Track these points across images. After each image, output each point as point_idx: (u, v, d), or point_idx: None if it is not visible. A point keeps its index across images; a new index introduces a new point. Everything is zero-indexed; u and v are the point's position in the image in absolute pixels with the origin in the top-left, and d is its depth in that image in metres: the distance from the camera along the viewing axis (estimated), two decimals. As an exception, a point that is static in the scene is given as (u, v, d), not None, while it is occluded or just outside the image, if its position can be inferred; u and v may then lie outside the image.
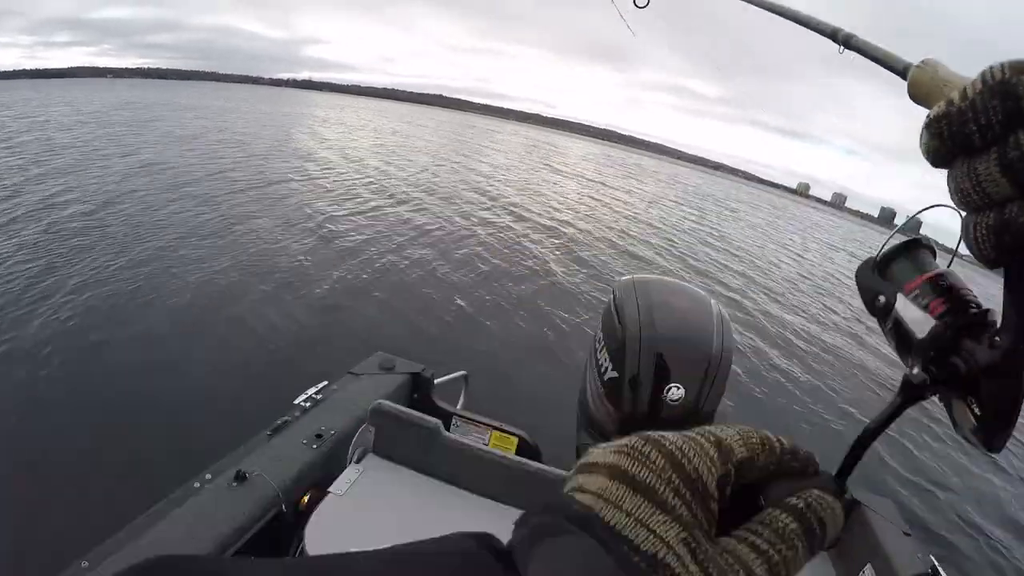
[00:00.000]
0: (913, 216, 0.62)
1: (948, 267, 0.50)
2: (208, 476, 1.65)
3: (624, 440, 0.34)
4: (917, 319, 0.47)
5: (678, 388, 1.04)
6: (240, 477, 1.64)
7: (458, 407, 2.58)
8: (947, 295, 0.46)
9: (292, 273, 7.46)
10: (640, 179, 39.74)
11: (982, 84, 0.32)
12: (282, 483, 1.69)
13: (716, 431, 0.35)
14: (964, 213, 0.36)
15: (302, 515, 1.61)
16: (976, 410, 0.40)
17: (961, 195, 0.35)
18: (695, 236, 18.03)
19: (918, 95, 0.46)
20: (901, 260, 0.53)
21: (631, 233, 15.49)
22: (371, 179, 16.00)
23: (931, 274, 0.49)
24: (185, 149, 16.98)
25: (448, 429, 2.07)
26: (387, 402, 1.76)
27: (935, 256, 0.52)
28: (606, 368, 1.15)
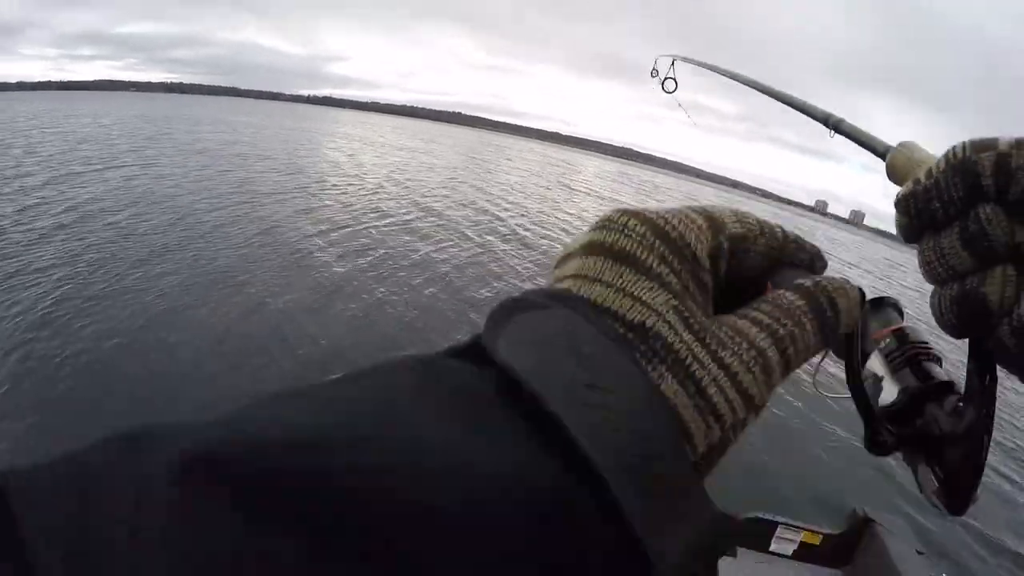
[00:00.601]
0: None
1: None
2: None
3: (600, 218, 0.30)
4: (883, 379, 0.44)
5: None
6: None
7: None
8: (907, 349, 0.44)
9: (312, 289, 7.41)
10: (654, 197, 39.59)
11: (945, 163, 0.34)
12: None
13: (705, 205, 0.32)
14: (931, 286, 0.37)
15: None
16: (939, 473, 0.39)
17: (927, 268, 0.36)
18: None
19: (894, 175, 0.47)
20: (867, 315, 0.48)
21: None
22: (392, 197, 16.04)
23: (894, 328, 0.46)
24: (205, 162, 17.32)
25: None
26: None
27: (902, 315, 0.48)
28: None
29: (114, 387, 4.56)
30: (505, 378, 0.23)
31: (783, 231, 0.34)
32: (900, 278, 29.38)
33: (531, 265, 10.90)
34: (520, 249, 12.13)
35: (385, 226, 11.97)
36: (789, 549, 2.02)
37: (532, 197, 22.71)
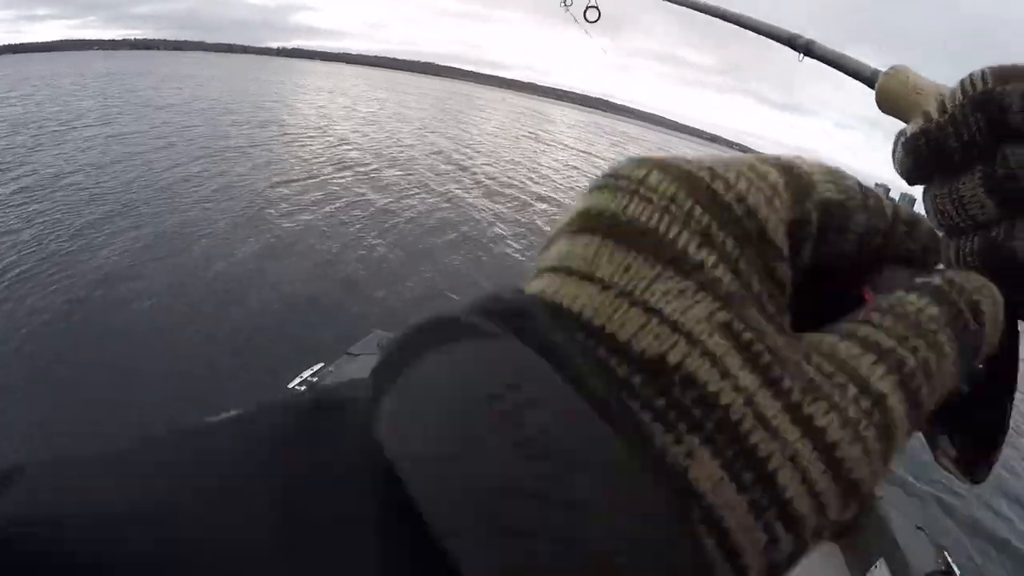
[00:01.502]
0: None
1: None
2: None
3: (606, 168, 0.19)
4: None
5: None
6: None
7: None
8: None
9: (282, 247, 7.25)
10: (628, 148, 39.38)
11: (962, 95, 0.29)
12: None
13: (782, 156, 0.20)
14: (943, 236, 0.31)
15: None
16: (958, 438, 0.35)
17: (942, 216, 0.30)
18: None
19: (887, 104, 0.42)
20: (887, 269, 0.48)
21: None
22: (362, 151, 15.70)
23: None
24: (168, 118, 16.85)
25: None
26: None
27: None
28: None
29: (71, 344, 4.52)
30: (384, 471, 0.13)
31: (894, 205, 0.23)
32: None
33: (492, 217, 10.84)
34: (482, 199, 12.06)
35: (346, 179, 11.85)
36: None
37: (501, 147, 22.50)
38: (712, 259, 0.16)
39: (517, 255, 8.60)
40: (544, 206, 12.85)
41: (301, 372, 2.11)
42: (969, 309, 0.19)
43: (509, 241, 9.16)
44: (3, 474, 0.14)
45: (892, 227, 0.22)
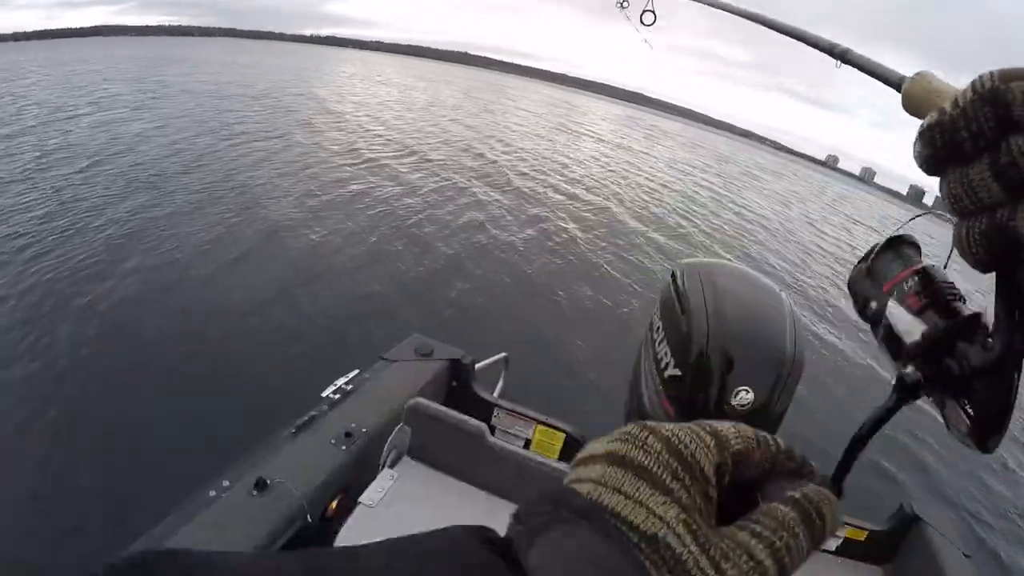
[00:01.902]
0: (904, 224, 0.61)
1: (946, 265, 0.50)
2: (225, 483, 1.48)
3: (621, 429, 0.35)
4: (908, 323, 0.48)
5: (747, 392, 0.95)
6: (260, 485, 1.47)
7: (497, 392, 2.49)
8: (930, 289, 0.48)
9: (317, 249, 7.00)
10: (662, 142, 38.81)
11: (972, 92, 0.33)
12: (307, 491, 1.52)
13: (712, 423, 0.36)
14: (956, 219, 0.37)
15: (329, 523, 1.52)
16: (969, 411, 0.41)
17: (953, 200, 0.35)
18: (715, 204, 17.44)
19: (912, 106, 0.46)
20: (884, 256, 0.55)
21: (667, 206, 14.91)
22: (400, 144, 15.37)
23: (915, 267, 0.50)
24: (208, 106, 16.80)
25: (489, 421, 2.01)
26: (425, 400, 1.61)
27: (920, 252, 0.52)
28: (667, 364, 1.05)
29: (100, 370, 4.25)
30: None
31: (776, 443, 0.37)
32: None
33: (522, 215, 10.46)
34: (513, 195, 11.71)
35: (377, 172, 11.60)
36: (832, 544, 1.92)
37: (530, 139, 22.18)
38: (677, 486, 0.31)
39: (548, 255, 8.30)
40: (574, 201, 12.48)
41: (335, 380, 1.98)
42: (815, 512, 0.32)
43: (539, 241, 8.87)
44: (153, 560, 0.23)
45: (775, 455, 0.36)
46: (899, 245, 0.55)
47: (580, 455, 0.35)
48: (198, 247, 6.43)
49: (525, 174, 13.94)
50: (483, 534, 0.30)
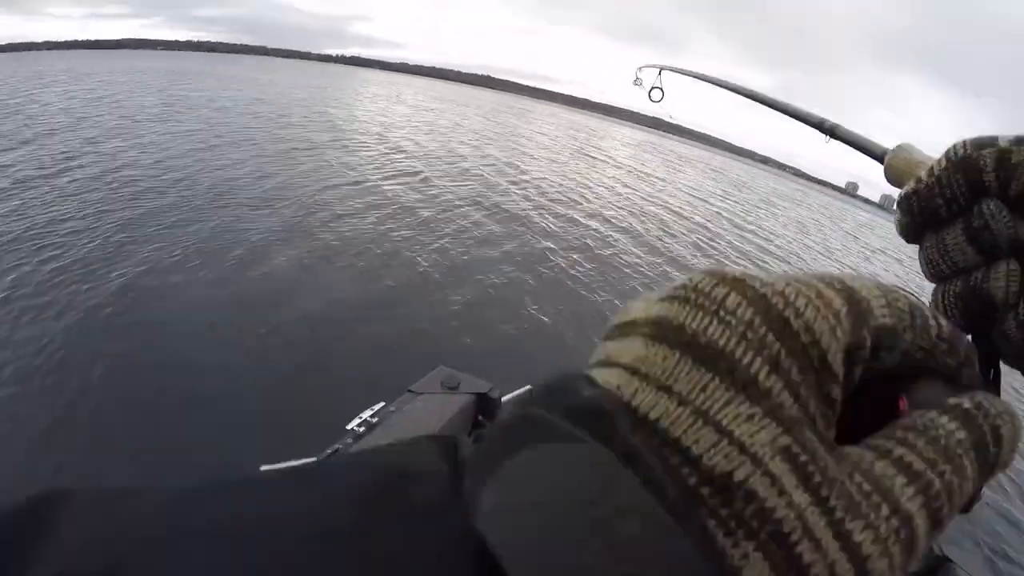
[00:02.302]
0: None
1: None
2: None
3: (683, 279, 0.21)
4: None
5: None
6: None
7: None
8: None
9: (343, 276, 6.93)
10: (680, 168, 38.79)
11: (946, 161, 0.34)
12: None
13: (844, 278, 0.22)
14: (933, 285, 0.37)
15: None
16: None
17: (930, 266, 0.36)
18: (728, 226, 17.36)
19: (893, 177, 0.48)
20: None
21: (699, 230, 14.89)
22: (427, 167, 15.38)
23: None
24: (237, 121, 17.12)
25: None
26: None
27: None
28: None
29: (111, 405, 4.15)
30: (484, 559, 0.15)
31: (938, 323, 0.23)
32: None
33: (557, 244, 10.51)
34: (541, 219, 11.72)
35: (405, 197, 11.70)
36: None
37: (548, 164, 22.25)
38: (778, 387, 0.18)
39: (573, 286, 8.23)
40: (596, 224, 12.46)
41: (361, 412, 1.97)
42: (991, 434, 0.21)
43: (573, 272, 8.77)
44: (49, 498, 0.17)
45: (934, 344, 0.23)
46: None
47: (615, 321, 0.22)
48: (203, 267, 6.44)
49: (543, 203, 13.87)
50: (447, 449, 0.19)
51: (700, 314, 0.19)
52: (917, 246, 0.38)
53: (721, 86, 1.37)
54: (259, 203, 9.15)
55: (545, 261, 8.94)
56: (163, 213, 7.84)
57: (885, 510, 0.17)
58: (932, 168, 0.35)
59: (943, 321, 0.24)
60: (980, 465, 0.20)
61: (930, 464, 0.19)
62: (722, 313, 0.19)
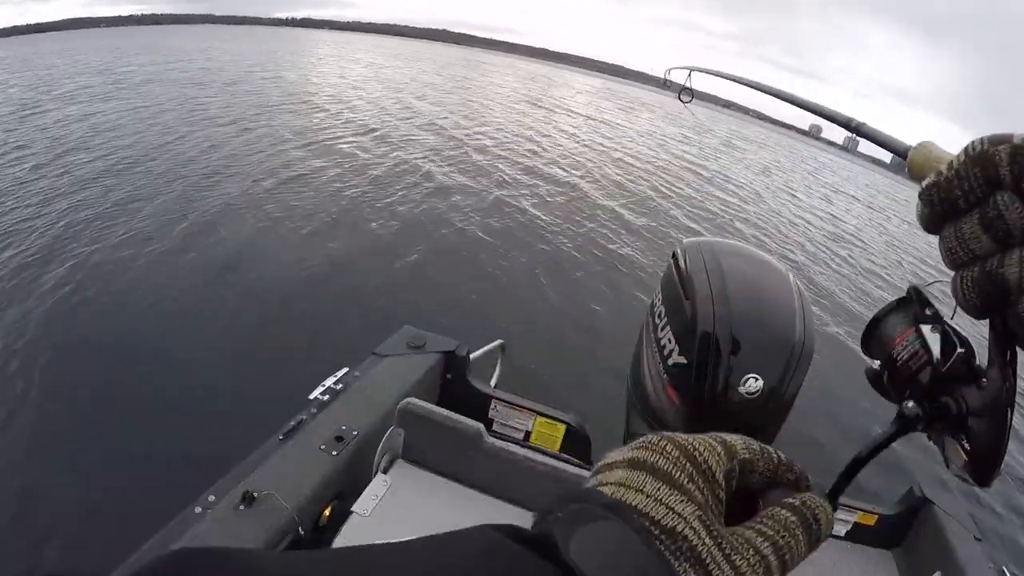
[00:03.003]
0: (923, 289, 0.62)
1: (951, 318, 0.53)
2: (211, 498, 1.42)
3: (640, 439, 0.38)
4: (911, 366, 0.51)
5: (756, 379, 0.92)
6: (248, 498, 1.40)
7: (494, 380, 2.47)
8: (936, 342, 0.51)
9: (298, 241, 6.77)
10: (638, 113, 38.48)
11: (965, 156, 0.37)
12: (298, 502, 1.45)
13: (721, 435, 0.40)
14: (952, 272, 0.40)
15: (323, 532, 1.47)
16: (967, 447, 0.45)
17: (949, 254, 0.40)
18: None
19: (915, 173, 0.50)
20: (894, 315, 0.58)
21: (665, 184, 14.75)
22: (380, 124, 15.12)
23: (921, 324, 0.53)
24: (185, 93, 16.49)
25: (487, 414, 2.04)
26: (417, 400, 1.56)
27: (926, 308, 0.55)
28: (670, 351, 1.02)
29: (70, 379, 4.09)
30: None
31: (778, 456, 0.40)
32: (882, 203, 29.14)
33: (491, 201, 10.36)
34: (490, 181, 11.49)
35: (357, 154, 11.48)
36: (842, 530, 1.89)
37: (508, 114, 21.99)
38: (692, 487, 0.34)
39: (537, 238, 8.12)
40: (551, 171, 12.44)
41: (324, 380, 1.90)
42: (812, 517, 0.37)
43: (526, 225, 8.68)
44: (183, 562, 0.25)
45: (778, 468, 0.40)
46: (907, 305, 0.58)
47: (601, 463, 0.39)
48: (156, 242, 6.23)
49: (502, 154, 13.74)
50: (512, 531, 0.32)
51: (653, 454, 0.36)
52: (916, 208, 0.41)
53: (752, 87, 1.37)
54: (210, 173, 8.93)
55: (500, 213, 8.86)
56: (112, 191, 7.63)
57: (752, 552, 0.32)
58: (952, 162, 0.38)
59: (782, 454, 0.40)
60: (808, 535, 0.36)
61: (775, 531, 0.34)
62: (664, 453, 0.36)
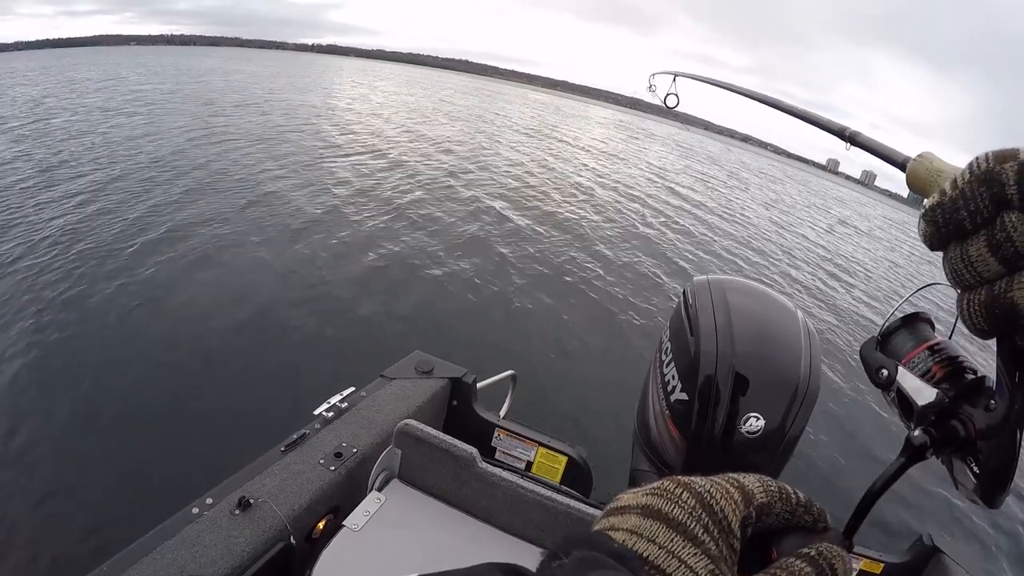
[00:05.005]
0: (912, 294, 0.64)
1: (948, 338, 0.54)
2: (209, 501, 1.46)
3: (655, 483, 0.38)
4: (917, 388, 0.50)
5: (757, 419, 0.92)
6: (244, 504, 1.44)
7: (503, 411, 2.42)
8: (944, 362, 0.51)
9: (318, 261, 6.85)
10: (649, 147, 38.51)
11: (970, 174, 0.36)
12: (291, 511, 1.48)
13: (739, 478, 0.39)
14: (958, 291, 0.39)
15: (315, 544, 1.48)
16: (975, 469, 0.44)
17: (955, 275, 0.38)
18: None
19: (915, 185, 0.49)
20: (901, 333, 0.57)
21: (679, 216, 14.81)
22: (404, 155, 15.18)
23: (929, 343, 0.53)
24: (207, 113, 16.88)
25: (490, 441, 2.04)
26: (415, 422, 1.54)
27: (933, 328, 0.55)
28: (674, 387, 1.02)
29: (83, 387, 4.18)
30: None
31: (797, 497, 0.40)
32: (898, 236, 28.79)
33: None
34: (513, 214, 11.65)
35: (377, 180, 11.65)
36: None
37: (523, 146, 22.20)
38: (708, 539, 0.34)
39: (557, 272, 8.14)
40: (577, 212, 12.39)
41: (329, 398, 1.92)
42: (828, 568, 0.36)
43: (544, 258, 8.68)
44: None
45: (795, 509, 0.40)
46: (914, 322, 0.57)
47: (612, 505, 0.39)
48: (180, 261, 6.34)
49: (517, 186, 13.78)
50: (514, 571, 0.31)
51: (668, 503, 0.35)
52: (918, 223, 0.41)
53: (740, 93, 1.33)
54: (238, 190, 9.14)
55: (519, 246, 8.90)
56: (164, 193, 8.07)
57: None
58: (956, 180, 0.37)
59: (800, 493, 0.40)
60: None
61: None
62: (679, 502, 0.35)
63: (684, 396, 0.98)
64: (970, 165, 0.36)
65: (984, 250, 0.36)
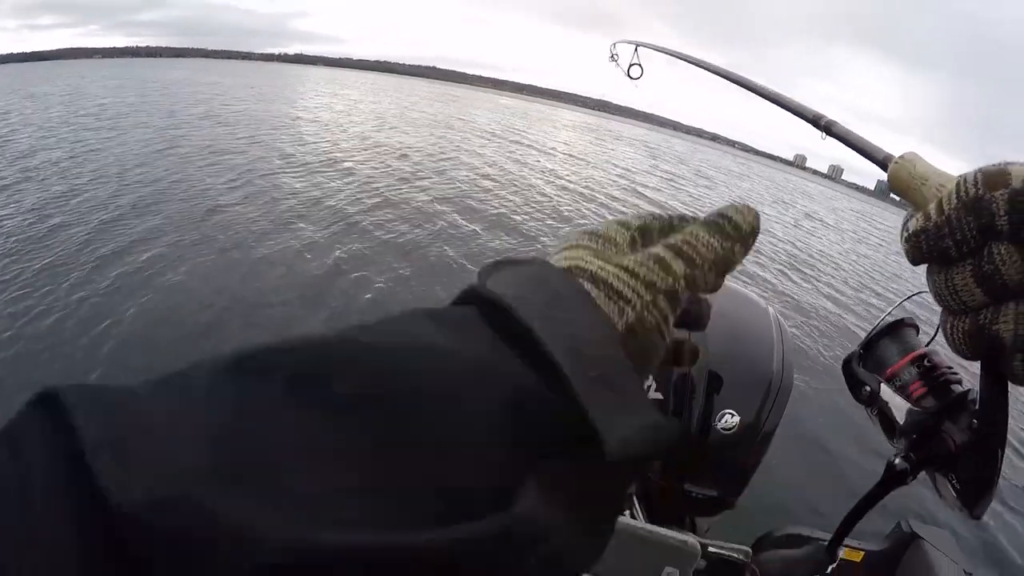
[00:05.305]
0: (896, 305, 0.63)
1: (932, 339, 0.52)
2: None
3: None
4: (899, 406, 0.51)
5: (732, 415, 0.94)
6: None
7: None
8: (928, 376, 0.51)
9: (273, 272, 6.73)
10: (618, 148, 38.80)
11: (957, 199, 0.35)
12: None
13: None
14: (942, 311, 0.39)
15: None
16: (956, 485, 0.45)
17: (939, 298, 0.37)
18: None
19: (897, 188, 0.47)
20: (885, 341, 0.57)
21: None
22: (363, 162, 14.95)
23: (913, 355, 0.52)
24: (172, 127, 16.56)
25: None
26: None
27: (918, 332, 0.55)
28: (648, 386, 0.99)
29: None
30: (491, 309, 0.27)
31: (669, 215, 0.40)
32: (866, 228, 29.35)
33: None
34: (467, 213, 11.65)
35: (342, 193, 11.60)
36: (828, 568, 1.90)
37: (490, 149, 22.22)
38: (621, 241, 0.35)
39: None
40: (509, 199, 12.56)
41: None
42: (723, 219, 0.35)
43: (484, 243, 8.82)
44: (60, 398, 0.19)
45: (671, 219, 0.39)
46: (898, 329, 0.57)
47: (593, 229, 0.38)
48: (136, 276, 6.23)
49: (475, 190, 13.66)
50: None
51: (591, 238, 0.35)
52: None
53: (706, 68, 1.23)
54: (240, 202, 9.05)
55: (476, 246, 8.90)
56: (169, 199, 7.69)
57: (644, 256, 0.32)
58: (941, 204, 0.35)
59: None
60: (719, 232, 0.34)
61: (676, 239, 0.33)
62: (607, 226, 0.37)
63: (659, 395, 0.98)
64: (957, 187, 0.35)
65: (970, 280, 0.35)
